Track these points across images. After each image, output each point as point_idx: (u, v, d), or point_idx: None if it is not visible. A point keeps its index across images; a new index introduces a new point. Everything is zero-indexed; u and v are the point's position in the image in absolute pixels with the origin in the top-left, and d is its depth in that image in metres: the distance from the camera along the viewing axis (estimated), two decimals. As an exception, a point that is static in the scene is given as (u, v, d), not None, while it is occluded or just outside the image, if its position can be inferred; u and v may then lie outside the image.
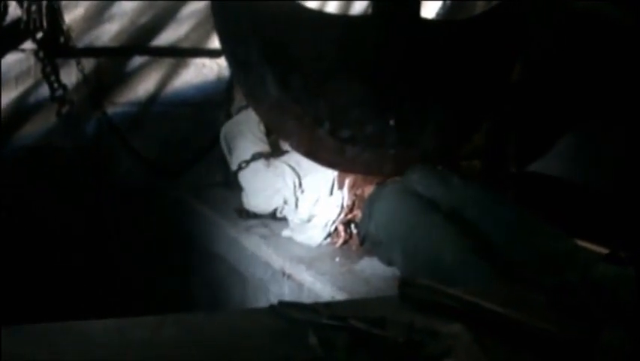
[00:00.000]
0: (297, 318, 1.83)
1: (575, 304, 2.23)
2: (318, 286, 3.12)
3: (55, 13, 3.96)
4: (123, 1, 4.12)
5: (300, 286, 3.19)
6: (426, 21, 3.71)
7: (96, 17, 4.07)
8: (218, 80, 4.34)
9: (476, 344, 1.77)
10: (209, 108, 4.36)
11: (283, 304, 1.89)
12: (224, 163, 4.04)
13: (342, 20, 3.80)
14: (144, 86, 4.22)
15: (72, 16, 4.03)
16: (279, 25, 3.24)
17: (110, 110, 4.17)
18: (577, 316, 2.10)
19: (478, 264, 2.85)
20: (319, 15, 3.73)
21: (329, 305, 1.92)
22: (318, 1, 4.50)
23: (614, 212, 3.79)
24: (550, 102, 4.25)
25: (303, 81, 3.29)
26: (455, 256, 2.89)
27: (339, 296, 2.96)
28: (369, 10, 3.55)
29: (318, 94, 3.32)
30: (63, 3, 3.99)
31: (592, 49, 4.03)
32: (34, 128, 4.02)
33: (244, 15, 3.19)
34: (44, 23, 3.95)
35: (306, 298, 3.09)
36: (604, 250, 3.30)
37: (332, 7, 4.60)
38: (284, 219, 3.74)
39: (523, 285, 2.56)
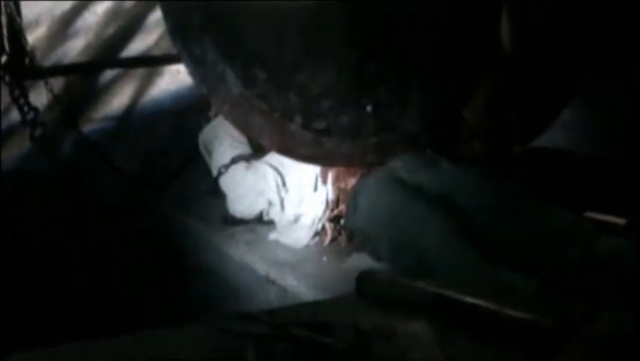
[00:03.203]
0: (235, 330, 1.67)
1: (574, 285, 2.10)
2: (303, 289, 3.04)
3: (17, 35, 3.81)
4: (86, 16, 3.97)
5: (285, 291, 3.08)
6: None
7: (60, 34, 3.96)
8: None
9: (437, 342, 1.61)
10: (189, 115, 4.20)
11: (221, 316, 1.74)
12: (208, 170, 3.89)
13: (303, 4, 3.62)
14: (119, 100, 4.10)
15: (35, 35, 3.92)
16: (233, 18, 3.07)
17: (87, 127, 4.05)
18: (575, 296, 1.95)
19: (465, 250, 2.71)
20: (275, 2, 3.58)
21: (272, 313, 1.75)
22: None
23: (627, 179, 3.64)
24: (549, 72, 4.10)
25: (266, 75, 3.12)
26: (440, 243, 2.76)
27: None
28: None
29: (285, 86, 3.15)
30: (24, 23, 3.82)
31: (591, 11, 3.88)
32: (7, 155, 3.89)
33: (194, 10, 3.03)
34: (6, 46, 3.78)
35: (290, 303, 2.97)
36: (619, 221, 3.16)
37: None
38: (271, 222, 3.60)
39: (516, 269, 2.40)
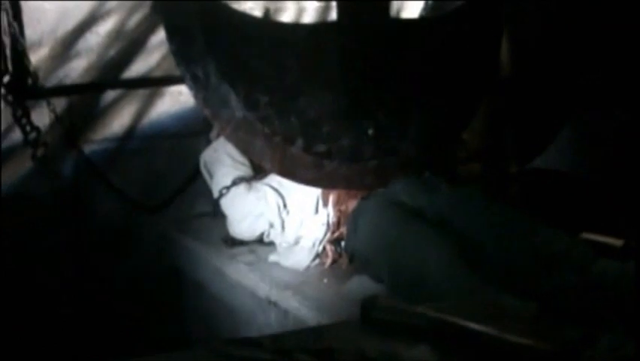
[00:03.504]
0: (240, 356, 1.68)
1: (572, 308, 2.10)
2: (304, 311, 3.03)
3: (20, 55, 3.83)
4: (89, 37, 3.97)
5: (286, 313, 3.07)
6: (395, 21, 3.57)
7: (62, 55, 3.95)
8: (197, 106, 4.18)
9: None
10: (190, 137, 4.20)
11: (224, 342, 1.74)
12: (209, 192, 3.89)
13: (305, 29, 3.66)
14: (120, 121, 4.09)
15: (37, 56, 3.90)
16: (237, 41, 3.10)
17: (87, 148, 4.04)
18: (574, 320, 1.96)
19: (464, 274, 2.73)
20: (278, 26, 3.61)
21: (276, 338, 1.76)
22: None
23: (621, 201, 3.66)
24: (545, 95, 4.13)
25: (268, 98, 3.15)
26: (440, 267, 2.77)
27: (325, 321, 2.83)
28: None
29: (286, 110, 3.18)
30: (27, 44, 3.84)
31: (587, 34, 3.91)
32: (8, 175, 3.88)
33: (197, 34, 3.07)
34: (9, 66, 3.80)
35: (291, 326, 3.01)
36: (615, 242, 3.17)
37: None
38: (272, 243, 3.60)
39: (514, 292, 2.40)
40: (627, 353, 1.75)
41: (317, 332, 2.13)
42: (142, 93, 4.20)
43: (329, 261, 3.40)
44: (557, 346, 1.74)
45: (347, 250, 3.31)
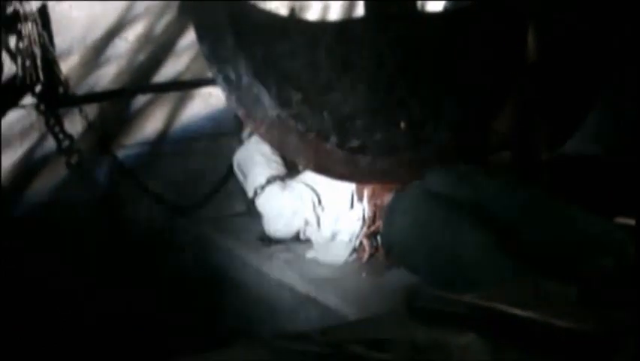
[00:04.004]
0: (292, 350, 1.70)
1: (612, 292, 2.10)
2: (344, 306, 3.04)
3: (50, 64, 3.86)
4: (118, 43, 4.01)
5: (327, 308, 3.08)
6: (421, 14, 3.57)
7: (92, 62, 3.99)
8: (228, 107, 4.20)
9: (489, 354, 1.63)
10: (222, 138, 4.23)
11: (276, 336, 1.76)
12: (243, 191, 3.91)
13: (334, 26, 3.67)
14: (152, 125, 4.12)
15: (68, 64, 3.94)
16: (266, 40, 3.12)
17: (120, 153, 4.06)
18: (612, 306, 1.96)
19: (501, 261, 2.73)
20: (307, 24, 3.63)
21: (325, 331, 1.78)
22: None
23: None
24: (574, 80, 4.12)
25: (301, 96, 3.16)
26: (478, 255, 2.77)
27: (365, 315, 2.83)
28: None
29: (320, 107, 3.19)
30: (57, 53, 3.87)
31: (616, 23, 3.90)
32: (44, 184, 3.93)
33: (227, 34, 3.08)
34: (41, 76, 3.83)
35: (332, 321, 2.99)
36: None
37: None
38: (308, 240, 3.62)
39: (552, 279, 2.40)
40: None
41: (365, 323, 2.14)
42: (173, 96, 4.23)
43: (366, 255, 3.40)
44: (604, 330, 1.75)
45: (384, 243, 3.31)
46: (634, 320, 1.86)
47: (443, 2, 4.08)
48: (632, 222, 3.18)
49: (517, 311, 1.84)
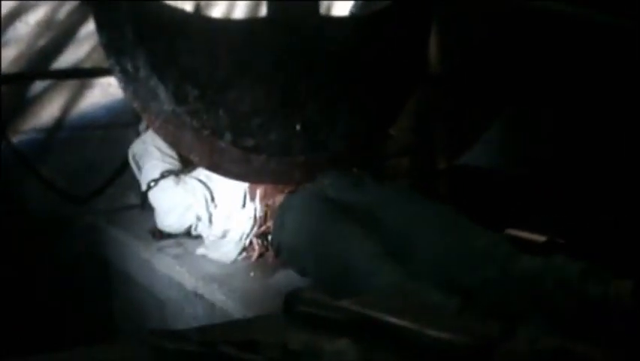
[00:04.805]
0: (168, 349, 1.71)
1: (493, 303, 2.15)
2: (230, 304, 3.05)
3: (-55, 43, 3.78)
4: (19, 26, 3.95)
5: (213, 305, 3.09)
6: (324, 18, 3.61)
7: (-9, 45, 3.90)
8: (126, 99, 4.18)
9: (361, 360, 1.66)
10: (119, 129, 4.20)
11: (152, 334, 1.77)
12: (138, 184, 3.90)
13: (237, 24, 3.68)
14: (49, 112, 4.08)
15: (-34, 45, 3.85)
16: (166, 35, 3.11)
17: (15, 138, 3.99)
18: (494, 315, 2.01)
19: (389, 269, 2.75)
20: (209, 21, 3.63)
21: (202, 330, 1.80)
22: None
23: (547, 198, 3.74)
24: (477, 93, 4.20)
25: (198, 92, 3.16)
26: (365, 262, 2.79)
27: (251, 314, 2.86)
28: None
29: (216, 104, 3.19)
30: (-46, 33, 3.81)
31: (525, 41, 3.98)
32: None
33: (127, 27, 3.05)
34: (-64, 55, 3.76)
35: (218, 318, 3.02)
36: (538, 238, 3.25)
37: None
38: (199, 236, 3.62)
39: (440, 288, 2.45)
40: (544, 347, 1.80)
41: (242, 324, 2.17)
42: (71, 84, 4.19)
43: (255, 255, 3.42)
44: (476, 340, 1.79)
45: (273, 244, 3.32)
46: (507, 331, 1.91)
47: (350, 4, 4.13)
48: (521, 234, 3.27)
49: (394, 319, 1.88)
